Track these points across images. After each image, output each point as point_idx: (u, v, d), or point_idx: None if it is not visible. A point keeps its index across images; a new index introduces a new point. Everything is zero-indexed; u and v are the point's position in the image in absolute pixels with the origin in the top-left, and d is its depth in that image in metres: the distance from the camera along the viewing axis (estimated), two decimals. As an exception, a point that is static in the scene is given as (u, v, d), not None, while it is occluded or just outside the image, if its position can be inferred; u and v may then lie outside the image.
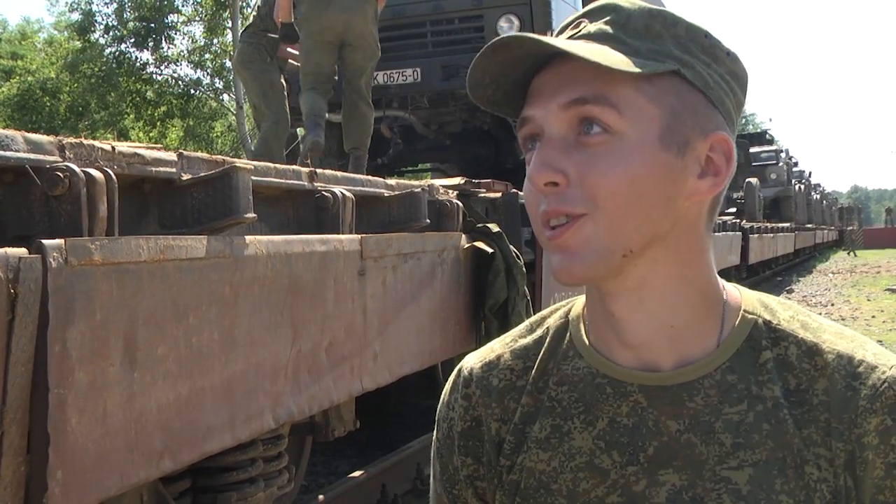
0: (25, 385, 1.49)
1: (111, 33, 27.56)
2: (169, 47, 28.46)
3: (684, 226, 0.90)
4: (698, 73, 0.89)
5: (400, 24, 7.21)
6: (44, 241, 1.51)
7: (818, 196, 33.39)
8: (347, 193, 2.75)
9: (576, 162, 0.86)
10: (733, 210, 16.85)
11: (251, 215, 2.14)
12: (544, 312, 1.05)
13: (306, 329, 2.35)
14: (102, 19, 27.52)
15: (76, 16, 28.34)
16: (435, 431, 1.07)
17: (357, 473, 4.09)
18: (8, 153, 1.62)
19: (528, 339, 1.03)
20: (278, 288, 2.22)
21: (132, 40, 27.53)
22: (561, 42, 0.87)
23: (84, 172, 1.68)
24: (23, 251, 1.48)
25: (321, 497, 3.64)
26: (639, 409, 0.92)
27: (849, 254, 32.03)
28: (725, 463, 0.88)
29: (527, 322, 1.06)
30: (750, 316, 0.93)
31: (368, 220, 3.09)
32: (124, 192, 1.86)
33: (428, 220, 3.22)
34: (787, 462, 0.87)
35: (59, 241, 1.53)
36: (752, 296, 0.97)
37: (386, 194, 3.18)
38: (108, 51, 27.72)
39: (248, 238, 2.11)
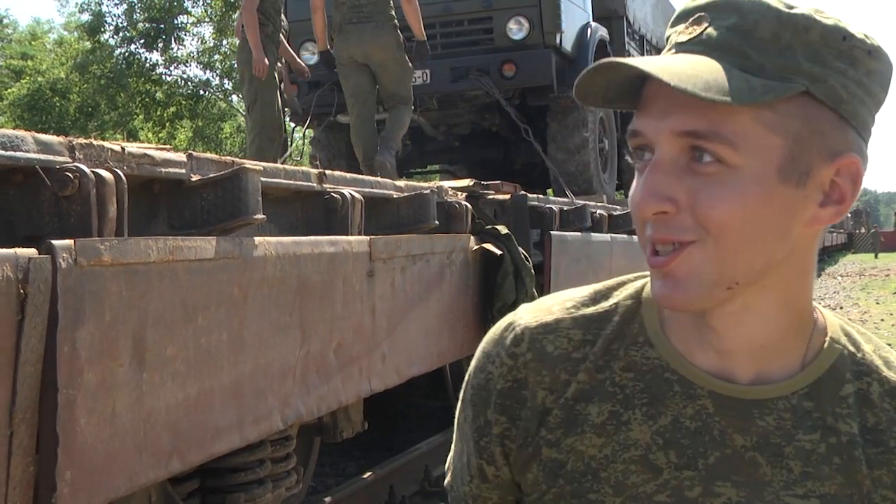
0: (35, 385, 1.49)
1: (121, 34, 27.61)
2: (178, 48, 28.54)
3: (799, 253, 0.86)
4: (831, 89, 0.81)
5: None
6: (53, 242, 1.51)
7: (827, 199, 33.17)
8: (356, 195, 2.75)
9: (687, 188, 0.81)
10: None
11: (260, 216, 2.14)
12: (610, 283, 1.00)
13: (315, 330, 2.35)
14: (112, 20, 27.60)
15: (86, 16, 28.42)
16: (468, 377, 1.01)
17: (365, 475, 4.09)
18: (18, 154, 1.62)
19: (592, 310, 0.97)
20: (287, 289, 2.22)
21: (142, 41, 27.59)
22: (668, 65, 0.80)
23: (94, 173, 1.68)
24: (32, 251, 1.48)
25: (329, 498, 3.64)
26: (703, 415, 0.89)
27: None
28: (791, 490, 0.86)
29: (589, 289, 1.00)
30: (836, 345, 0.90)
31: (377, 222, 3.09)
32: (134, 192, 1.86)
33: (437, 222, 3.22)
34: (855, 500, 0.86)
35: (68, 242, 1.53)
36: (835, 322, 0.93)
37: (395, 196, 3.18)
38: (117, 51, 27.78)
39: (258, 239, 2.11)
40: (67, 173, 1.65)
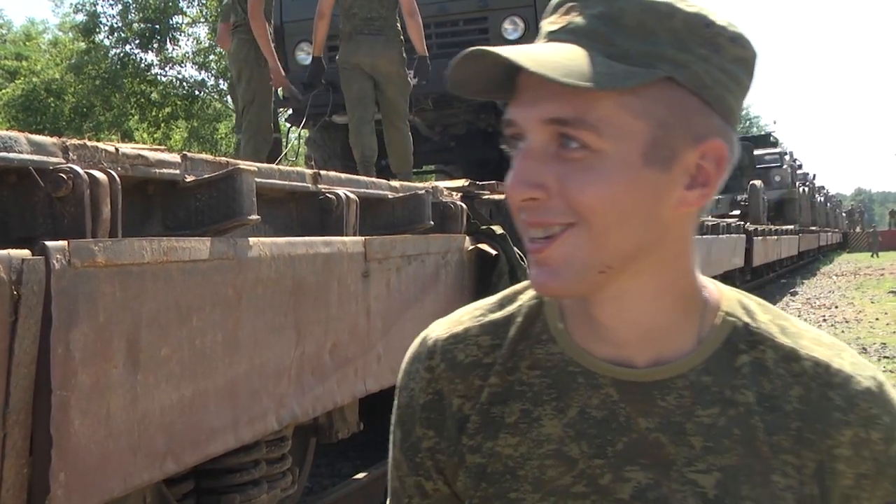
0: (28, 387, 1.49)
1: (116, 35, 27.62)
2: (173, 49, 28.52)
3: (671, 236, 0.87)
4: (694, 74, 0.83)
5: (404, 25, 7.22)
6: (47, 243, 1.51)
7: (822, 198, 33.34)
8: (351, 195, 2.75)
9: (556, 174, 0.83)
10: (737, 212, 16.83)
11: (255, 217, 2.13)
12: (517, 288, 1.02)
13: (310, 331, 2.35)
14: (107, 20, 27.59)
15: (81, 17, 28.39)
16: (395, 398, 1.04)
17: (361, 475, 4.09)
18: (11, 154, 1.62)
19: (499, 315, 1.00)
20: (282, 290, 2.22)
21: (137, 42, 27.59)
22: (533, 52, 0.81)
23: (87, 174, 1.67)
24: (26, 253, 1.47)
25: (325, 499, 3.64)
26: (609, 403, 0.91)
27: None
28: (694, 466, 0.88)
29: (498, 296, 1.03)
30: (729, 318, 0.92)
31: (372, 222, 3.09)
32: (128, 193, 1.86)
33: (432, 222, 3.22)
34: (755, 468, 0.87)
35: (62, 243, 1.53)
36: (732, 296, 0.95)
37: (390, 196, 3.18)
38: (112, 52, 27.77)
39: (252, 240, 2.11)
40: (61, 174, 1.65)
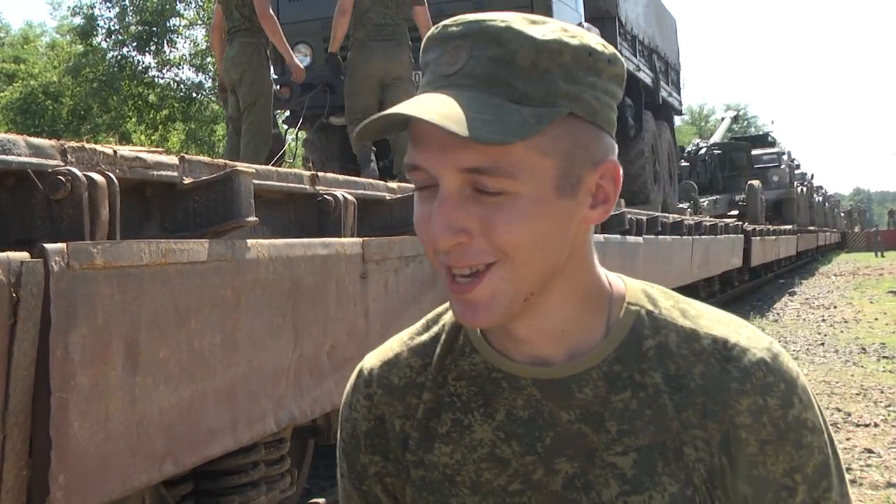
0: (27, 389, 1.49)
1: (113, 37, 27.59)
2: (171, 51, 28.51)
3: (576, 249, 0.92)
4: (586, 104, 0.87)
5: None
6: (46, 245, 1.51)
7: (820, 198, 33.38)
8: (349, 197, 2.76)
9: (476, 216, 0.86)
10: (735, 212, 16.84)
11: (253, 219, 2.14)
12: (439, 309, 1.08)
13: (308, 332, 2.35)
14: (105, 23, 27.57)
15: (78, 20, 28.36)
16: (339, 431, 1.09)
17: (359, 477, 4.08)
18: (10, 157, 1.62)
19: (426, 336, 1.05)
20: (280, 291, 2.22)
21: (134, 44, 27.57)
22: (439, 107, 0.83)
23: (86, 176, 1.68)
24: (25, 255, 1.48)
25: (323, 500, 3.64)
26: (533, 402, 0.95)
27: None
28: (612, 449, 0.93)
29: (423, 319, 1.09)
30: (633, 307, 0.97)
31: (370, 224, 3.09)
32: (126, 195, 1.86)
33: (430, 223, 3.22)
34: (668, 445, 0.92)
35: (60, 245, 1.53)
36: (636, 287, 0.99)
37: (387, 197, 3.19)
38: (110, 55, 27.75)
39: (250, 241, 2.12)
40: (59, 177, 1.65)
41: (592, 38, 0.90)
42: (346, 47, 6.32)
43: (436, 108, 0.83)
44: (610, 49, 0.91)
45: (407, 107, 0.84)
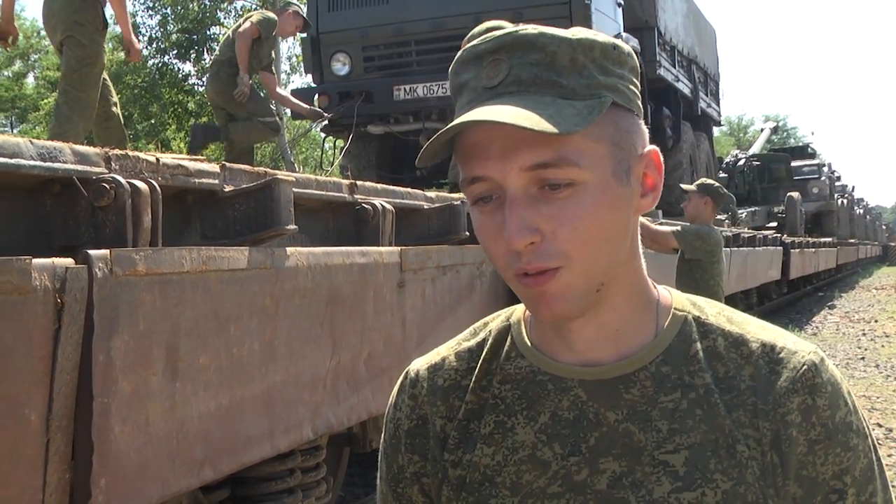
0: (71, 393, 1.51)
1: (154, 45, 27.93)
2: (210, 59, 28.80)
3: (633, 242, 0.96)
4: (622, 93, 0.92)
5: (439, 36, 7.23)
6: (90, 252, 1.53)
7: (861, 211, 32.92)
8: (387, 205, 2.76)
9: (546, 216, 0.89)
10: (774, 224, 16.67)
11: (292, 227, 2.15)
12: (487, 318, 1.11)
13: (346, 340, 2.36)
14: (146, 31, 27.92)
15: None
16: (382, 433, 1.11)
17: (393, 485, 4.08)
18: (56, 164, 1.65)
19: (472, 342, 1.08)
20: (318, 299, 2.23)
21: (175, 52, 27.89)
22: (512, 115, 0.85)
23: (129, 184, 1.70)
24: (69, 261, 1.50)
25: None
26: (579, 403, 0.97)
27: None
28: (663, 448, 0.94)
29: (471, 327, 1.11)
30: (680, 313, 1.00)
31: (408, 232, 3.10)
32: (168, 203, 1.88)
33: (467, 233, 3.23)
34: (720, 443, 0.93)
35: (104, 252, 1.55)
36: (681, 296, 1.03)
37: (425, 207, 3.19)
38: (151, 62, 28.10)
39: (289, 249, 2.13)
40: (104, 184, 1.68)
41: (608, 36, 0.95)
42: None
43: (500, 113, 0.86)
44: (625, 44, 0.96)
45: (473, 115, 0.87)
